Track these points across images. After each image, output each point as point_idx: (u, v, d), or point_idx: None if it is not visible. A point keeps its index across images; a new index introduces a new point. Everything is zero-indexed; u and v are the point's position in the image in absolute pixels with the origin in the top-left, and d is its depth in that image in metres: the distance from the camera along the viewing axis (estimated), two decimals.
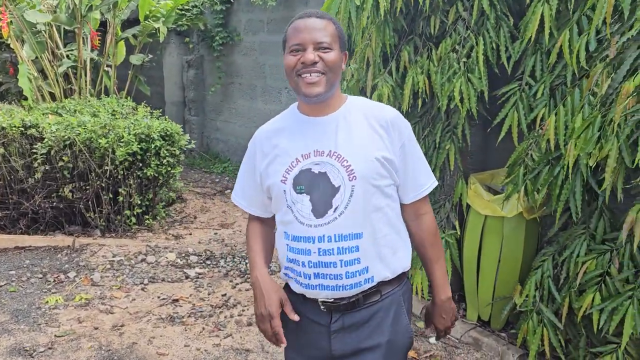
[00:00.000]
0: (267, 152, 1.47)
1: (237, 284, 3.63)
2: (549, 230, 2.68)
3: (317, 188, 1.38)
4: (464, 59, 2.69)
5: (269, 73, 6.05)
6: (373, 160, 1.38)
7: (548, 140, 2.40)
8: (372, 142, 1.40)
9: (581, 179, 2.29)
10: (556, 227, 2.55)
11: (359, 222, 1.37)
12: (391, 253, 1.44)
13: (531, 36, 2.45)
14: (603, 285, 2.34)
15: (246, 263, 3.93)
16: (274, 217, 1.55)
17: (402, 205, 1.51)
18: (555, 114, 2.35)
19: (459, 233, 3.05)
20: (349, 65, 3.13)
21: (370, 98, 3.24)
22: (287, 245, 1.44)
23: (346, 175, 1.36)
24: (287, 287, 1.55)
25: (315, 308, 1.45)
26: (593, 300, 2.35)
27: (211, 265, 3.92)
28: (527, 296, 2.65)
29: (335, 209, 1.36)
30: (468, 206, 3.01)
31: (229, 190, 5.80)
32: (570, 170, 2.24)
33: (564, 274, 2.52)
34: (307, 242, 1.38)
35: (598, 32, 2.21)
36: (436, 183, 1.53)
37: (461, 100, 2.69)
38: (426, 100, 2.87)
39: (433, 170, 3.08)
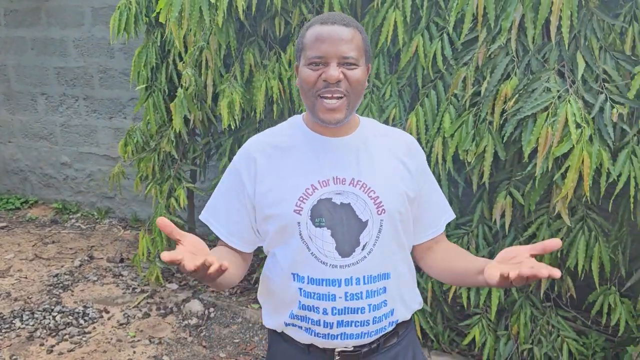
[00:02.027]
0: (266, 174, 1.23)
1: (52, 346, 2.88)
2: None
3: (340, 222, 1.19)
4: None
5: (14, 76, 4.91)
6: (400, 193, 1.24)
7: None
8: (396, 171, 1.26)
9: (446, 173, 2.49)
10: None
11: (386, 261, 1.23)
12: (409, 290, 1.33)
13: (385, 39, 2.53)
14: None
15: (53, 317, 3.15)
16: (250, 254, 1.33)
17: (414, 247, 1.37)
18: (416, 114, 2.50)
19: None
20: (184, 71, 2.74)
21: (214, 105, 2.92)
22: (301, 289, 1.21)
23: (374, 208, 1.20)
24: (280, 337, 1.32)
25: (325, 359, 1.27)
26: None
27: (3, 330, 3.02)
28: None
29: (364, 246, 1.20)
30: None
31: None
32: (439, 167, 2.42)
33: None
34: (330, 286, 1.19)
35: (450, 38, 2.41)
36: (453, 216, 1.40)
37: None
38: (282, 106, 2.72)
39: None
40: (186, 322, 3.17)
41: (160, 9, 2.45)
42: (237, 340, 3.03)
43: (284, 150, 1.25)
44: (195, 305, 3.30)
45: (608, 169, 2.00)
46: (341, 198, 1.20)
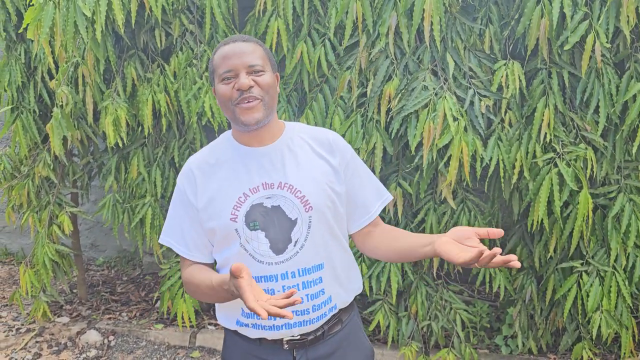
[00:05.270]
0: (204, 190, 1.33)
1: None
2: None
3: (272, 223, 1.31)
4: (205, 73, 2.61)
5: None
6: (325, 188, 1.34)
7: None
8: (320, 168, 1.35)
9: None
10: None
11: (319, 253, 1.34)
12: (346, 275, 1.42)
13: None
14: (363, 256, 2.78)
15: None
16: (211, 264, 1.41)
17: (354, 234, 1.46)
18: (306, 118, 2.60)
19: None
20: (58, 89, 2.56)
21: (96, 123, 2.76)
22: None
23: (302, 206, 1.31)
24: (234, 337, 1.41)
25: (275, 349, 1.38)
26: (361, 270, 2.76)
27: None
28: None
29: (296, 242, 1.31)
30: None
31: None
32: None
33: None
34: (269, 282, 1.30)
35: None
36: (390, 197, 1.49)
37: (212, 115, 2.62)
38: (170, 119, 2.66)
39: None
40: (84, 355, 2.97)
41: (28, 24, 2.28)
42: None
43: (217, 166, 1.34)
44: (92, 336, 3.10)
45: (481, 155, 2.26)
46: (271, 201, 1.30)
